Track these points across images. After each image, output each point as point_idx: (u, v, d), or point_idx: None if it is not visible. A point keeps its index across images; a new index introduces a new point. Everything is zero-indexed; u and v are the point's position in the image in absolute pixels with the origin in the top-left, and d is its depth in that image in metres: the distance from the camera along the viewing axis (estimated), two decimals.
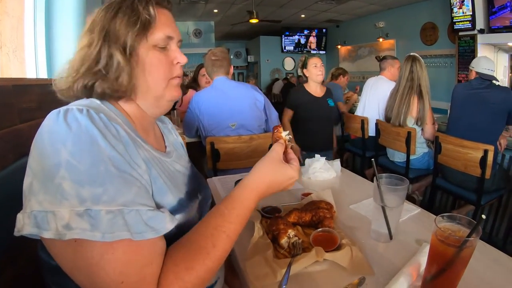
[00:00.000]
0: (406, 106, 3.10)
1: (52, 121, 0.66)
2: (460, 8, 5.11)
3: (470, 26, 5.06)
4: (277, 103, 9.18)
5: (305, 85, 3.42)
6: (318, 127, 3.40)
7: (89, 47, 0.78)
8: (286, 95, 9.41)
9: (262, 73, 11.72)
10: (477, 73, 2.76)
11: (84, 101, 0.78)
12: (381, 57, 4.01)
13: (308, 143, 3.36)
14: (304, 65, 3.37)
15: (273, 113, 2.84)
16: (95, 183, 0.62)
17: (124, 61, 0.77)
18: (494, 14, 4.68)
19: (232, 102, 2.58)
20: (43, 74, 1.86)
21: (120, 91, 0.80)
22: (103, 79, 0.78)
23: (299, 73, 3.51)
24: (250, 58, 12.38)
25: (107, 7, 0.81)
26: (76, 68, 0.79)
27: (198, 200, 0.95)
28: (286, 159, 0.93)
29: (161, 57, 0.84)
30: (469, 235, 0.78)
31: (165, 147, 0.98)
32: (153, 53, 0.82)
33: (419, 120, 3.09)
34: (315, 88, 3.38)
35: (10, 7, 1.73)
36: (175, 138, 1.11)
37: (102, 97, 0.79)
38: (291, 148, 0.95)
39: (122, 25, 0.78)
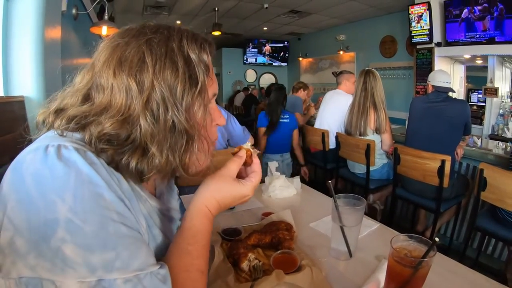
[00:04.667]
0: (364, 117, 3.17)
1: (39, 161, 0.52)
2: (418, 22, 5.32)
3: (428, 39, 5.28)
4: (239, 115, 9.21)
5: None
6: None
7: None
8: (247, 107, 9.49)
9: (224, 85, 11.72)
10: (433, 86, 2.86)
11: (72, 136, 0.61)
12: (337, 73, 4.09)
13: None
14: None
15: (237, 129, 2.79)
16: (107, 247, 0.52)
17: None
18: (451, 26, 4.90)
19: None
20: None
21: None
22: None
23: None
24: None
25: (147, 43, 0.62)
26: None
27: None
28: (246, 174, 0.82)
29: (208, 119, 0.69)
30: (424, 256, 0.79)
31: (155, 187, 0.82)
32: (205, 115, 0.67)
33: (378, 130, 3.17)
34: None
35: None
36: None
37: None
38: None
39: (175, 83, 0.61)
